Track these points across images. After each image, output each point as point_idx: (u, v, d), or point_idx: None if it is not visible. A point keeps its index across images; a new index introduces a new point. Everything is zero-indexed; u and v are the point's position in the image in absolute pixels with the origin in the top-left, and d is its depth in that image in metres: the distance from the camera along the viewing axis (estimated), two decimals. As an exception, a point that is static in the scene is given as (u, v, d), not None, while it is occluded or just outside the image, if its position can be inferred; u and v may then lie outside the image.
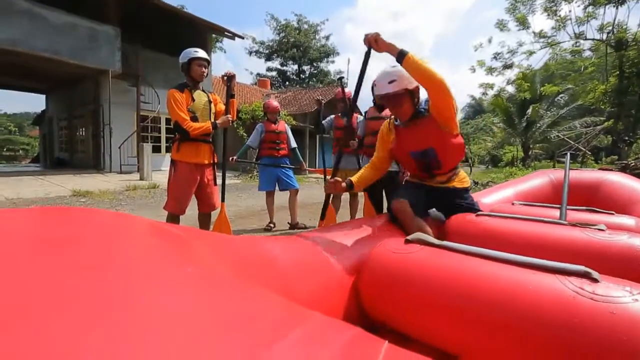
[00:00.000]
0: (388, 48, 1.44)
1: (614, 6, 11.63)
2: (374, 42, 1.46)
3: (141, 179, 8.34)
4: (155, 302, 0.39)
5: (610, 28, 11.93)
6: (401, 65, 1.43)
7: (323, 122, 3.50)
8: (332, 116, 3.57)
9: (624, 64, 11.76)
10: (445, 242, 1.02)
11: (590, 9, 12.09)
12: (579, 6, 12.40)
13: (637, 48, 11.20)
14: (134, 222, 0.61)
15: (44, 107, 14.96)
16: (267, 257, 0.88)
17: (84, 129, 11.31)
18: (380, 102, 1.68)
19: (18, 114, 53.77)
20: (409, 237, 1.08)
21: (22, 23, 7.54)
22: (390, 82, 1.58)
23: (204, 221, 2.66)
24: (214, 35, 13.26)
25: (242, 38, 13.15)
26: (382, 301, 1.01)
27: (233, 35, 12.04)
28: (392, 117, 1.83)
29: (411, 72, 1.45)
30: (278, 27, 27.62)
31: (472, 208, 1.71)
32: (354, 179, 1.74)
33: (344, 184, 1.69)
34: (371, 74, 1.83)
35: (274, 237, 1.11)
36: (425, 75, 1.41)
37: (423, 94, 1.68)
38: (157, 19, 10.82)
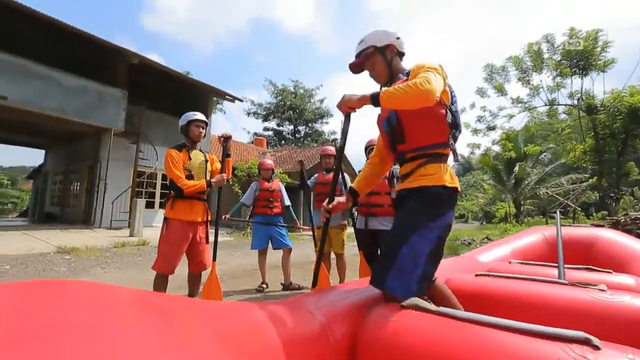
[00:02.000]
0: (362, 102, 1.30)
1: (579, 76, 12.94)
2: (350, 109, 1.34)
3: (131, 235, 8.13)
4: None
5: (579, 95, 13.11)
6: (381, 106, 1.26)
7: (308, 181, 3.57)
8: (317, 174, 3.67)
9: (597, 127, 12.67)
10: (441, 309, 0.99)
11: (558, 79, 13.41)
12: (548, 77, 13.77)
13: (606, 112, 12.17)
14: (116, 294, 0.59)
15: (41, 161, 15.16)
16: (258, 326, 0.84)
17: (78, 184, 11.35)
18: (357, 68, 1.53)
19: (14, 167, 54.33)
20: (404, 303, 1.04)
21: (36, 85, 8.01)
22: (359, 44, 1.50)
23: (193, 282, 2.56)
24: (215, 98, 14.13)
25: (242, 101, 14.03)
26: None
27: (233, 99, 12.85)
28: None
29: (393, 107, 1.28)
30: (275, 91, 29.76)
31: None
32: (354, 184, 1.55)
33: (343, 199, 1.51)
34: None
35: (265, 303, 1.06)
36: (404, 101, 1.19)
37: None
38: (163, 82, 11.64)
